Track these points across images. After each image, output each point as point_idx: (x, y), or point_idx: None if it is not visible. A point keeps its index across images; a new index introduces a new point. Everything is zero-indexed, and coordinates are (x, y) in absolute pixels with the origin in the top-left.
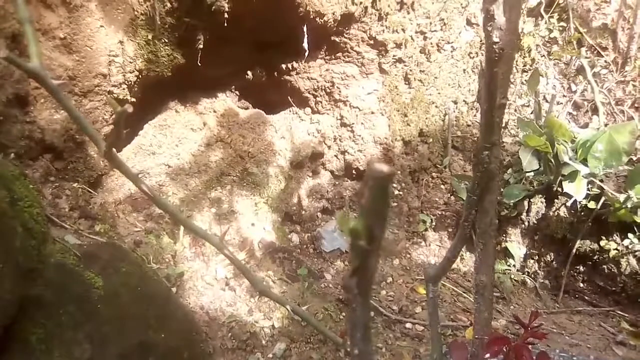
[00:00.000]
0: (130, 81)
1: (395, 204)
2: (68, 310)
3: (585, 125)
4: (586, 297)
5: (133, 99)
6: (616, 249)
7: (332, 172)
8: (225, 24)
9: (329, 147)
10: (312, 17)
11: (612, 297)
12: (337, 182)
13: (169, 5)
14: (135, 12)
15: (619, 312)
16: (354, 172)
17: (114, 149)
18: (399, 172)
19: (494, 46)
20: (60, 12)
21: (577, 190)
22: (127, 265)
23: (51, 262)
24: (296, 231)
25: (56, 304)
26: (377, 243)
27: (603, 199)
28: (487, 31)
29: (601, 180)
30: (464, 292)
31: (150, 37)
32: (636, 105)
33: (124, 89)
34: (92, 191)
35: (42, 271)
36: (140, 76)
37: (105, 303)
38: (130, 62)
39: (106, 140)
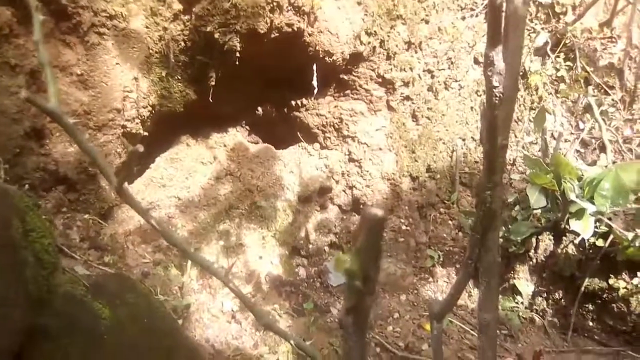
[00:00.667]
0: (144, 116)
1: (403, 239)
2: (75, 340)
3: (593, 163)
4: (596, 336)
5: (146, 133)
6: (625, 287)
7: (339, 206)
8: (237, 63)
9: (337, 182)
10: (321, 56)
11: (622, 336)
12: (344, 217)
13: (182, 44)
14: (150, 51)
15: (630, 353)
16: (361, 206)
17: (125, 184)
18: (406, 207)
19: (494, 90)
20: (77, 50)
21: (584, 228)
22: (134, 297)
23: (60, 292)
24: (303, 265)
25: (64, 334)
26: (371, 283)
27: (611, 237)
28: (487, 76)
29: (609, 218)
30: (472, 329)
31: (164, 74)
32: None
33: (137, 123)
34: (102, 222)
35: (51, 301)
36: (153, 111)
37: (112, 334)
38: (144, 98)
39: (118, 175)
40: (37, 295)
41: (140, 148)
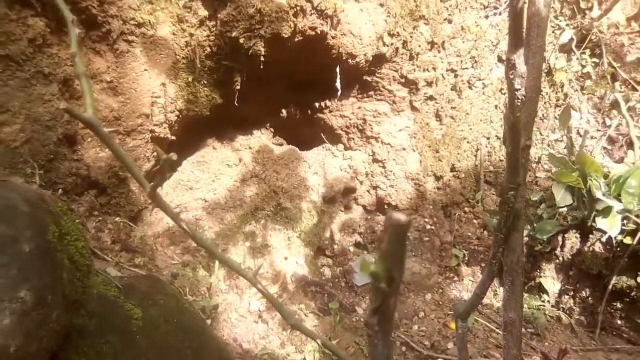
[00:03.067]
0: (171, 120)
1: (428, 238)
2: (109, 339)
3: (621, 160)
4: (624, 335)
5: (173, 137)
6: None
7: (364, 207)
8: (262, 66)
9: (361, 182)
10: (344, 58)
11: None
12: (369, 217)
13: (208, 49)
14: (177, 57)
15: None
16: (385, 207)
17: (157, 190)
18: (430, 206)
19: (516, 93)
20: (107, 57)
21: (610, 226)
22: (164, 298)
23: (94, 293)
24: (328, 265)
25: (98, 334)
26: (395, 285)
27: (639, 234)
28: (509, 79)
29: (637, 216)
30: (497, 328)
31: (190, 79)
32: None
33: (165, 128)
34: (132, 225)
35: (86, 302)
36: (180, 116)
37: (143, 334)
38: (172, 103)
39: (149, 181)
40: (72, 297)
41: (174, 156)
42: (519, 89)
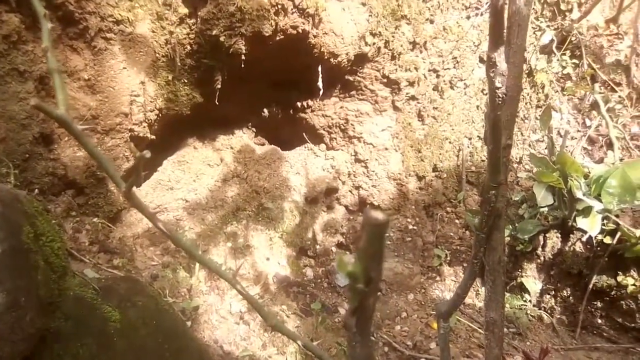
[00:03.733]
0: (151, 119)
1: (410, 238)
2: (85, 342)
3: (601, 160)
4: (604, 334)
5: (153, 137)
6: (634, 284)
7: (346, 207)
8: (243, 65)
9: (344, 182)
10: (326, 57)
11: (631, 333)
12: (351, 217)
13: (189, 48)
14: (157, 55)
15: (639, 350)
16: (368, 206)
17: (133, 189)
18: (413, 207)
19: (497, 91)
20: (85, 55)
21: (591, 225)
22: (143, 299)
23: (70, 295)
24: (311, 265)
25: (74, 337)
26: (374, 285)
27: (619, 234)
28: (489, 77)
29: (617, 216)
30: (479, 328)
31: (170, 77)
32: None
33: (144, 127)
34: (111, 226)
35: (62, 304)
36: (160, 115)
37: (121, 336)
38: (151, 102)
39: (126, 180)
40: (47, 299)
41: (148, 154)
42: (500, 87)
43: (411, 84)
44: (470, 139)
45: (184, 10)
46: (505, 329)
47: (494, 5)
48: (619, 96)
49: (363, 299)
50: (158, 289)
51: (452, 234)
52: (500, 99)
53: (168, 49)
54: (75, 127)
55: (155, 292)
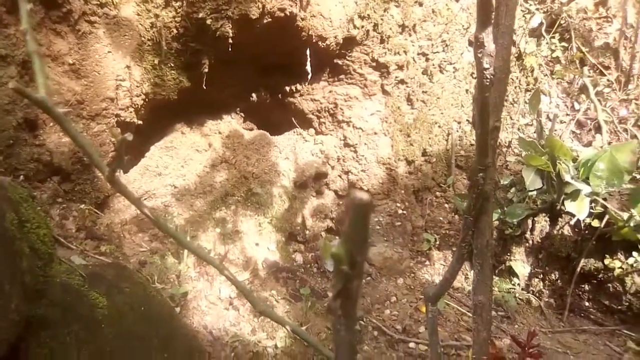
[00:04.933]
0: (137, 104)
1: (399, 223)
2: (73, 329)
3: (589, 144)
4: (591, 316)
5: (140, 122)
6: (621, 267)
7: (335, 192)
8: (230, 49)
9: (333, 167)
10: (314, 41)
11: (617, 315)
12: (341, 202)
13: (175, 31)
14: (142, 38)
15: (625, 332)
16: (352, 188)
17: (116, 174)
18: (402, 191)
19: (485, 72)
20: (69, 39)
21: (579, 209)
22: (131, 286)
23: (57, 282)
24: (300, 251)
25: (61, 324)
26: (358, 267)
27: (607, 217)
28: (477, 58)
29: (604, 199)
30: (468, 311)
31: (156, 61)
32: (639, 123)
33: (130, 112)
34: (98, 212)
35: (48, 291)
36: (146, 99)
37: (109, 323)
38: (137, 86)
39: (109, 165)
40: (33, 286)
41: (129, 136)
42: (488, 68)
43: (400, 67)
44: (459, 123)
45: None
46: (493, 313)
47: None
48: (608, 80)
49: (347, 282)
50: (146, 276)
51: (441, 218)
52: (488, 80)
53: (154, 32)
54: (56, 111)
55: (143, 278)
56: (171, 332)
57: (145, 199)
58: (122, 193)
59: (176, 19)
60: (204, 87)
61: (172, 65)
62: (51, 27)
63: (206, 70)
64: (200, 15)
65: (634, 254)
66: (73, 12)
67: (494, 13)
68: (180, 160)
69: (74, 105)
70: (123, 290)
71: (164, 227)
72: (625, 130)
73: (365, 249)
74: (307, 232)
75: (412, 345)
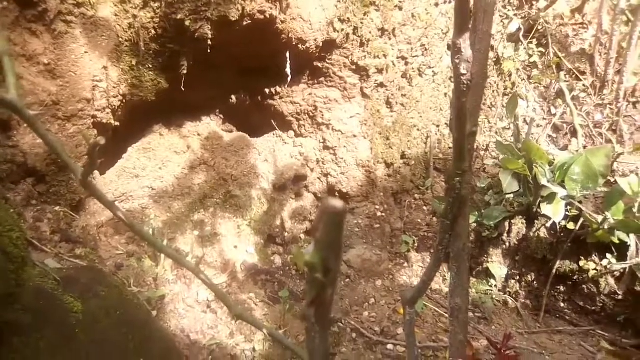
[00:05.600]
0: (114, 106)
1: (378, 225)
2: (46, 335)
3: (565, 147)
4: (567, 317)
5: (117, 123)
6: (595, 269)
7: (315, 194)
8: (209, 51)
9: (312, 169)
10: (294, 43)
11: (592, 316)
12: (320, 205)
13: (153, 32)
14: (120, 39)
15: (599, 332)
16: (336, 194)
17: (90, 178)
18: (381, 194)
19: (462, 78)
20: (44, 39)
21: (554, 212)
22: (106, 289)
23: (30, 286)
24: (279, 253)
25: (34, 329)
26: (332, 275)
27: (582, 220)
28: (455, 64)
29: (580, 202)
30: (446, 313)
31: (134, 62)
32: (614, 128)
33: (107, 113)
34: (74, 214)
35: (21, 296)
36: (124, 101)
37: (83, 328)
38: (114, 87)
39: (84, 168)
40: (5, 291)
41: (102, 140)
42: (465, 74)
43: (380, 71)
44: (438, 126)
45: None
46: (471, 314)
47: None
48: (584, 85)
49: (321, 290)
50: (122, 279)
51: (419, 220)
52: (465, 85)
53: (132, 33)
54: (26, 112)
55: (119, 281)
56: (147, 336)
57: (122, 201)
58: (95, 197)
59: (154, 20)
60: (183, 89)
61: (150, 66)
62: (26, 27)
63: (185, 71)
64: (179, 16)
65: (608, 255)
66: (49, 11)
67: (471, 19)
68: (158, 162)
69: (49, 105)
70: (98, 294)
71: (138, 231)
72: (600, 134)
73: (340, 256)
74: (286, 234)
75: (390, 346)
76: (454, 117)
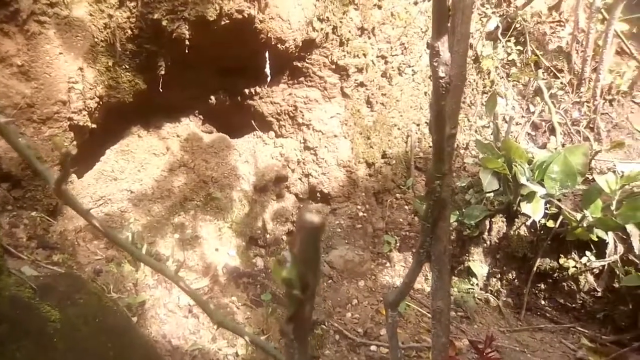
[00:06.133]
0: (91, 107)
1: (360, 225)
2: (23, 345)
3: (544, 145)
4: (547, 314)
5: (94, 125)
6: (575, 266)
7: (296, 195)
8: (187, 51)
9: (293, 170)
10: (273, 43)
11: (572, 313)
12: (301, 205)
13: (129, 32)
14: (95, 39)
15: (579, 329)
16: (318, 194)
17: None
18: (362, 194)
19: (441, 81)
20: (17, 40)
21: (534, 210)
22: (85, 297)
23: (6, 295)
24: (261, 255)
25: (10, 339)
26: (311, 291)
27: (561, 218)
28: (433, 67)
29: (559, 200)
30: (428, 313)
31: (110, 63)
32: (591, 125)
33: (84, 115)
34: (50, 219)
35: None
36: (101, 102)
37: (61, 337)
38: (91, 89)
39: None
40: None
41: (74, 150)
42: (444, 77)
43: (360, 70)
44: (418, 125)
45: None
46: (453, 313)
47: None
48: (561, 82)
49: (299, 306)
50: (102, 285)
51: (401, 220)
52: (444, 88)
53: (107, 33)
54: None
55: (98, 288)
56: (128, 343)
57: (100, 205)
58: (70, 205)
59: (131, 20)
60: (161, 90)
61: (127, 67)
62: None
63: (163, 72)
64: (156, 16)
65: (587, 253)
66: (21, 11)
67: (450, 20)
68: (137, 165)
69: (23, 108)
70: (76, 301)
71: (115, 239)
72: (578, 132)
73: (318, 272)
74: (268, 236)
75: (373, 348)
76: (433, 120)
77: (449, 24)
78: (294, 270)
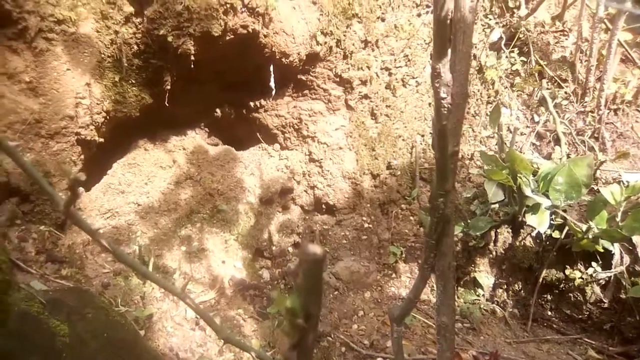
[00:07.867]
0: (98, 122)
1: (366, 236)
2: None
3: (549, 155)
4: (554, 325)
5: (101, 139)
6: (581, 277)
7: (302, 207)
8: (192, 66)
9: (298, 182)
10: (278, 57)
11: (578, 324)
12: (307, 217)
13: (135, 48)
14: (102, 55)
15: (586, 340)
16: (323, 206)
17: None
18: (368, 205)
19: (442, 102)
20: (26, 57)
21: (539, 222)
22: (93, 311)
23: (15, 310)
24: (267, 267)
25: (19, 355)
26: (313, 320)
27: (566, 229)
28: (435, 88)
29: (564, 211)
30: (434, 324)
31: (117, 78)
32: (596, 135)
33: (91, 130)
34: (59, 233)
35: (5, 321)
36: (108, 117)
37: (70, 351)
38: (98, 104)
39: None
40: None
41: (82, 176)
42: (445, 98)
43: (363, 82)
44: (422, 136)
45: (129, 9)
46: (459, 324)
47: (437, 15)
48: (565, 92)
49: (303, 335)
50: (109, 298)
51: (407, 230)
52: (446, 109)
53: (114, 49)
54: (6, 144)
55: (105, 302)
56: (136, 357)
57: (108, 218)
58: (77, 225)
59: (137, 36)
60: (167, 104)
61: (134, 82)
62: (6, 44)
63: (169, 87)
64: (161, 32)
65: (593, 264)
66: (29, 28)
67: (451, 39)
68: (144, 177)
69: (32, 124)
70: (85, 316)
71: (122, 257)
72: (583, 142)
73: (320, 302)
74: (274, 247)
75: None
76: (436, 139)
77: (450, 44)
78: (297, 300)
